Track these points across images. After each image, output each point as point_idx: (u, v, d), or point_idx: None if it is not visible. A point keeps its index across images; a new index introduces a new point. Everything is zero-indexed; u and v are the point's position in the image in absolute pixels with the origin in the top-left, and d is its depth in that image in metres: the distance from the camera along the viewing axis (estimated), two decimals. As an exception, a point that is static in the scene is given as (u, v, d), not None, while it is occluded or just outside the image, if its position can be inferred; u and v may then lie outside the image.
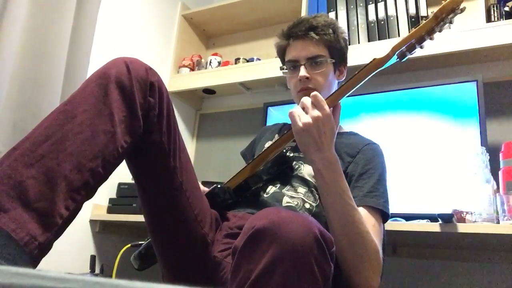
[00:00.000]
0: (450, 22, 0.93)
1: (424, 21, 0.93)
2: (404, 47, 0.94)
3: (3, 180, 0.63)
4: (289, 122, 0.93)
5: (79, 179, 0.69)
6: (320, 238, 0.64)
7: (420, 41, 0.94)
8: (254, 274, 0.62)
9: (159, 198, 0.90)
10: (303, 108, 0.91)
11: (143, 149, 0.84)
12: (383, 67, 0.96)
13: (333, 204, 0.90)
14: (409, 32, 0.97)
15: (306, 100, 0.91)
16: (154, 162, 0.87)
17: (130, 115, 0.78)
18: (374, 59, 0.96)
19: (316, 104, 0.90)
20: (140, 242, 1.09)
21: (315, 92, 0.91)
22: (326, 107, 0.90)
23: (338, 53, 1.18)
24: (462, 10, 0.91)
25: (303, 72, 1.12)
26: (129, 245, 1.19)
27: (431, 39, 0.94)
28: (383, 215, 1.00)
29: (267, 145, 1.21)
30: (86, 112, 0.73)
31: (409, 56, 0.96)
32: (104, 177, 0.75)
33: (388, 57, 0.96)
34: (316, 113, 0.89)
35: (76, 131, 0.70)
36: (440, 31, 0.94)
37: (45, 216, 0.64)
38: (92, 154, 0.71)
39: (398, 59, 0.96)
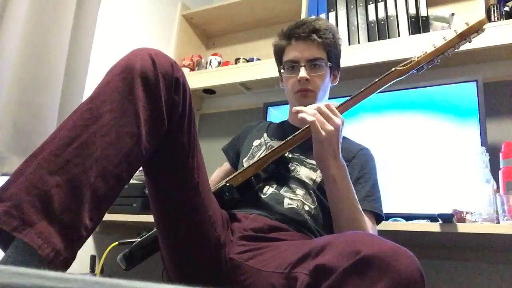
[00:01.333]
0: (469, 41, 0.99)
1: (449, 39, 1.00)
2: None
3: (29, 189, 0.60)
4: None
5: (104, 187, 0.65)
6: (424, 274, 0.63)
7: (440, 56, 1.00)
8: None
9: (175, 199, 0.87)
10: (322, 114, 0.94)
11: (163, 148, 0.79)
12: (401, 78, 1.01)
13: (344, 210, 0.96)
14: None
15: (325, 109, 0.95)
16: (174, 162, 0.83)
17: (154, 114, 0.74)
18: (396, 69, 1.01)
19: (334, 113, 0.95)
20: (128, 240, 1.06)
21: (328, 103, 0.96)
22: (340, 115, 0.96)
23: (335, 58, 1.21)
24: (483, 31, 0.98)
25: (303, 73, 1.13)
26: (116, 243, 1.16)
27: (448, 55, 1.00)
28: (377, 217, 1.08)
29: (255, 143, 1.22)
30: (111, 112, 0.69)
31: (426, 69, 1.01)
32: (127, 182, 0.72)
33: (410, 68, 1.01)
34: (338, 121, 0.94)
35: (102, 133, 0.67)
36: (458, 48, 1.00)
37: (70, 229, 0.61)
38: (117, 159, 0.67)
39: (415, 71, 1.02)
